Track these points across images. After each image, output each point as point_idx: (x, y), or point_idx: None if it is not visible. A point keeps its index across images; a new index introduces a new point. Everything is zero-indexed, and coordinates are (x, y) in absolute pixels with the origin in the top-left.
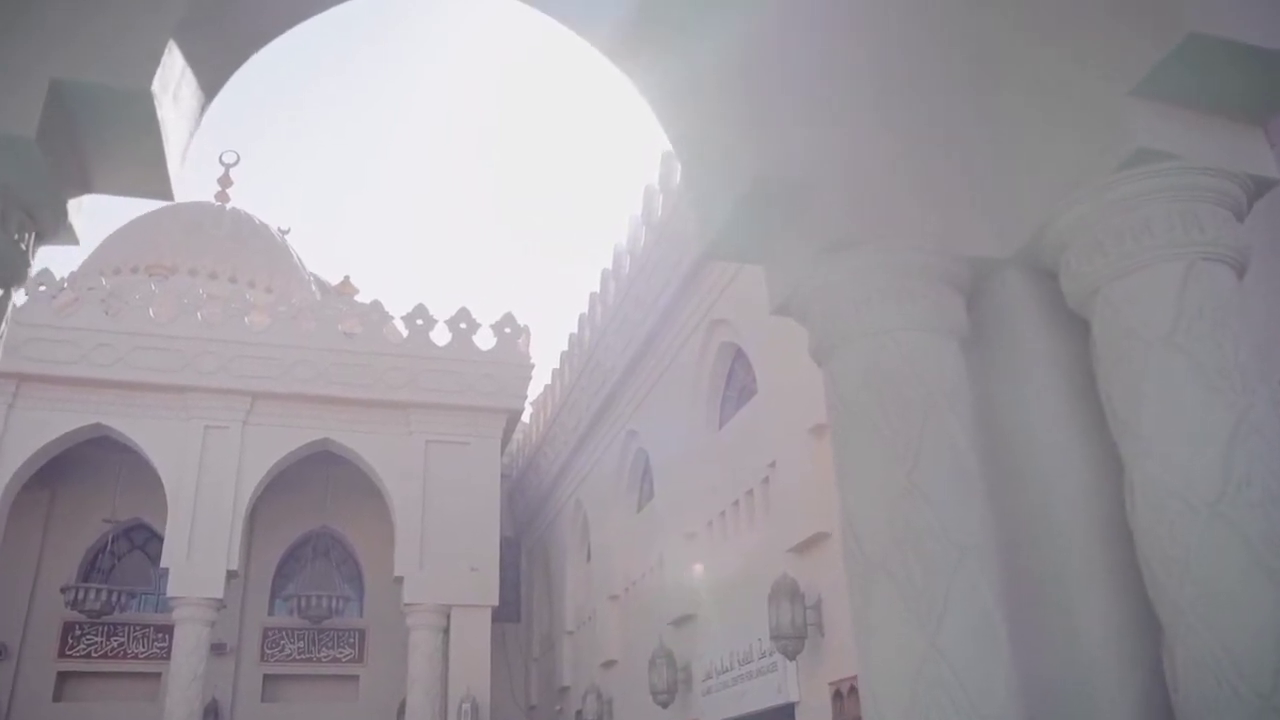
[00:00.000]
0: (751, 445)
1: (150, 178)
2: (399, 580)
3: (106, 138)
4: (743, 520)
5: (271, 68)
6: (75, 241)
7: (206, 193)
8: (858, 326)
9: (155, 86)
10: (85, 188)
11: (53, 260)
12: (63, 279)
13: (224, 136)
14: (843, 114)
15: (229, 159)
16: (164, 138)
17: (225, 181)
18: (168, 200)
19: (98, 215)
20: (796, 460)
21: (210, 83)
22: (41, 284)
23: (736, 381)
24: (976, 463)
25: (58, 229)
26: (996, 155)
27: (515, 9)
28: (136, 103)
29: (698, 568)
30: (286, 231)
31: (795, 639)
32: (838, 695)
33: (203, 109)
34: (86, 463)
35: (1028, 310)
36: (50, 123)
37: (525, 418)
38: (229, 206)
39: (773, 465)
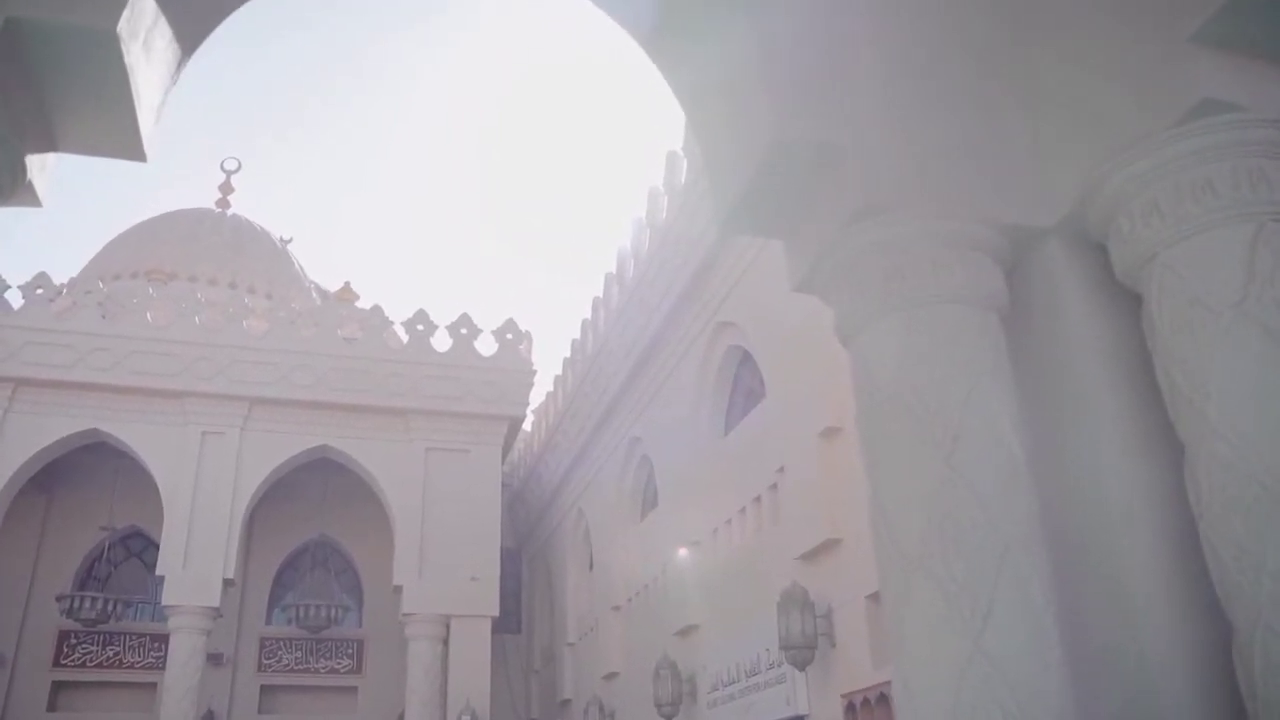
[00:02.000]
0: (759, 450)
1: (119, 134)
2: (398, 590)
3: (70, 86)
4: (750, 527)
5: (274, 74)
6: (37, 203)
7: (207, 199)
8: (888, 300)
9: (123, 28)
10: (49, 144)
11: (51, 266)
12: (61, 284)
13: (226, 143)
14: (870, 74)
15: (230, 165)
16: (134, 90)
17: (226, 188)
18: (139, 161)
19: (98, 223)
20: (806, 465)
21: (188, 36)
22: (39, 287)
23: (743, 385)
24: (1021, 447)
25: (15, 188)
26: (1037, 114)
27: (517, 13)
28: (102, 45)
29: (703, 576)
30: (288, 240)
31: (805, 649)
32: (850, 708)
33: (179, 65)
34: (83, 469)
35: (1072, 283)
36: (6, 66)
37: (527, 426)
38: (229, 213)
39: (781, 470)
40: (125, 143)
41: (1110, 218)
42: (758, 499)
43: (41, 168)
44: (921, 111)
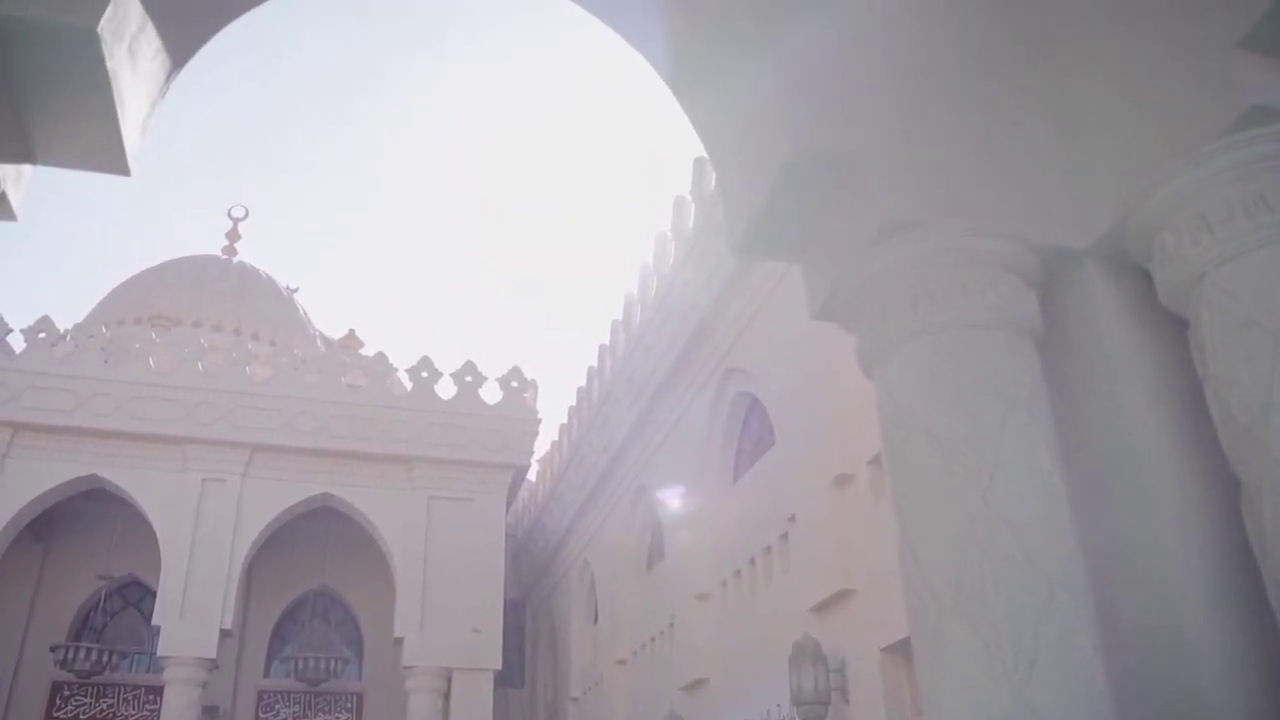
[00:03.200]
0: (769, 499)
1: (101, 145)
2: (399, 642)
3: (48, 91)
4: (760, 578)
5: (282, 121)
6: (12, 216)
7: (214, 246)
8: (916, 323)
9: (104, 28)
10: (25, 154)
11: (55, 311)
12: (65, 330)
13: (233, 190)
14: (891, 88)
15: (238, 213)
16: (117, 97)
17: (233, 235)
18: (123, 174)
19: (104, 271)
20: (818, 513)
21: (178, 46)
22: (41, 331)
23: (752, 433)
24: (1062, 482)
25: None
26: (1069, 127)
27: (518, 63)
28: (81, 45)
29: (711, 629)
30: (295, 289)
31: (818, 704)
32: None
33: (169, 76)
34: (82, 517)
35: (1112, 307)
36: None
37: (531, 475)
38: (236, 260)
39: (792, 519)
40: (107, 155)
41: (1152, 236)
42: (768, 549)
43: (17, 179)
44: (944, 125)
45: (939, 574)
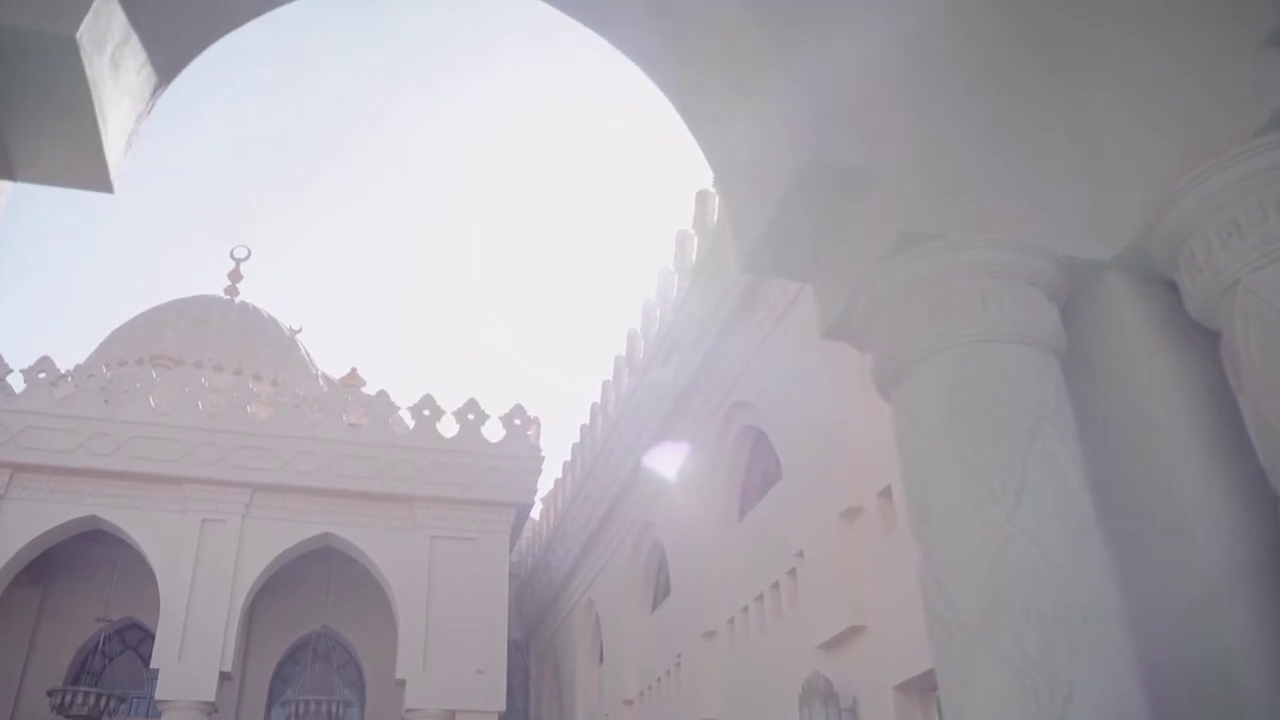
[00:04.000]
0: (776, 534)
1: (83, 160)
2: (401, 683)
3: (27, 102)
4: (768, 615)
5: (284, 163)
6: None
7: (216, 286)
8: (935, 339)
9: (83, 37)
10: (5, 170)
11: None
12: (66, 371)
13: (236, 230)
14: (912, 97)
15: (240, 253)
16: (98, 109)
17: (235, 276)
18: (106, 192)
19: (106, 312)
20: (827, 548)
21: (164, 61)
22: (41, 371)
23: (759, 467)
24: (1091, 503)
25: None
26: (1093, 136)
27: (521, 101)
28: (59, 53)
29: (719, 668)
30: (298, 331)
31: None
32: None
33: (154, 91)
34: (80, 558)
35: (1137, 321)
36: None
37: (535, 514)
38: (238, 300)
39: (800, 555)
40: (89, 170)
41: (1180, 244)
42: (775, 585)
43: None
44: (962, 136)
45: (965, 601)
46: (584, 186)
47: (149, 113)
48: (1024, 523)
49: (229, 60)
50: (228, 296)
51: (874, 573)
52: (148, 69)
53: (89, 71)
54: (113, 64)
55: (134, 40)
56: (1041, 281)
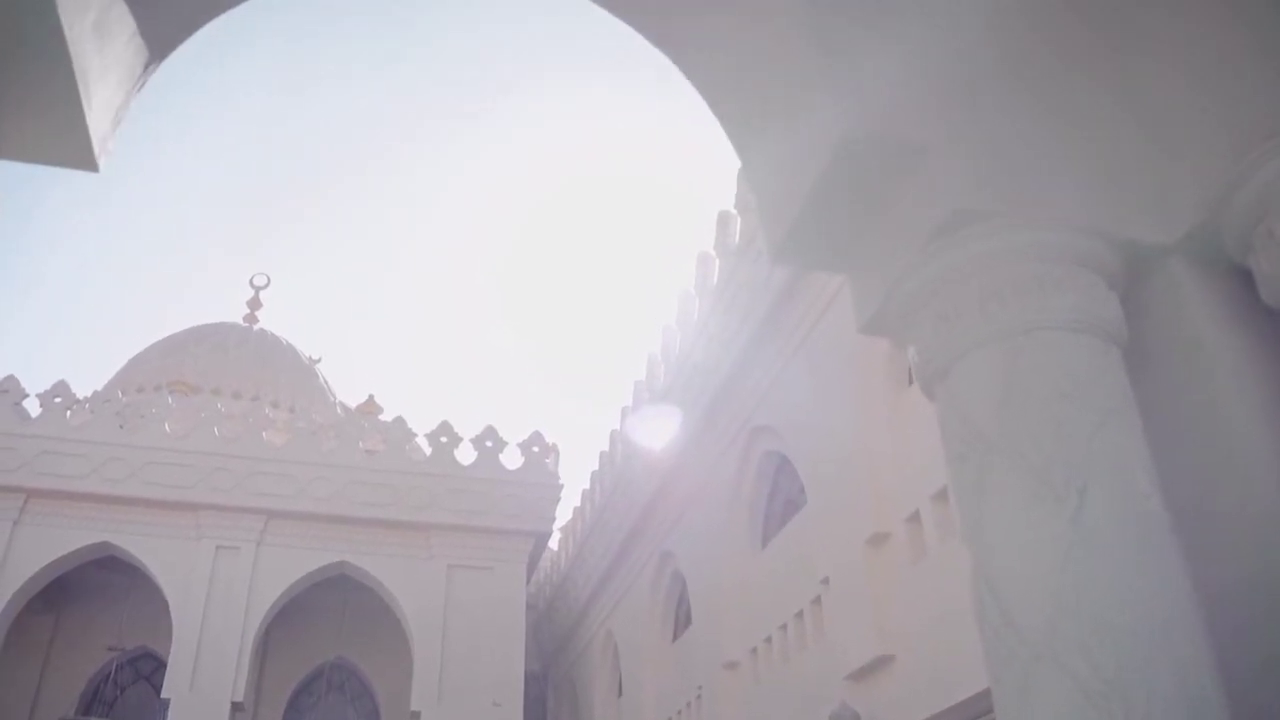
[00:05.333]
0: (800, 562)
1: (66, 135)
2: (416, 715)
3: (4, 72)
4: (792, 645)
5: (304, 190)
6: None
7: (236, 314)
8: (987, 327)
9: None
10: None
11: (76, 378)
12: (84, 398)
13: (256, 259)
14: (958, 69)
15: (259, 281)
16: (80, 78)
17: (254, 304)
18: (90, 170)
19: (124, 339)
20: (853, 575)
21: (155, 33)
22: (57, 396)
23: (782, 493)
24: (1162, 504)
25: None
26: (1155, 113)
27: (540, 126)
28: (36, 14)
29: (742, 700)
30: (318, 360)
31: None
32: None
33: (146, 67)
34: (93, 586)
35: (1205, 309)
36: None
37: (553, 544)
38: (257, 328)
39: (825, 582)
40: (72, 146)
41: (1253, 225)
42: (800, 614)
43: None
44: (1012, 113)
45: (1026, 613)
46: (603, 213)
47: (139, 89)
48: (1091, 526)
49: (250, 89)
50: (246, 324)
51: (902, 600)
52: (138, 41)
53: (68, 34)
54: (97, 31)
55: (121, 6)
56: (1101, 267)
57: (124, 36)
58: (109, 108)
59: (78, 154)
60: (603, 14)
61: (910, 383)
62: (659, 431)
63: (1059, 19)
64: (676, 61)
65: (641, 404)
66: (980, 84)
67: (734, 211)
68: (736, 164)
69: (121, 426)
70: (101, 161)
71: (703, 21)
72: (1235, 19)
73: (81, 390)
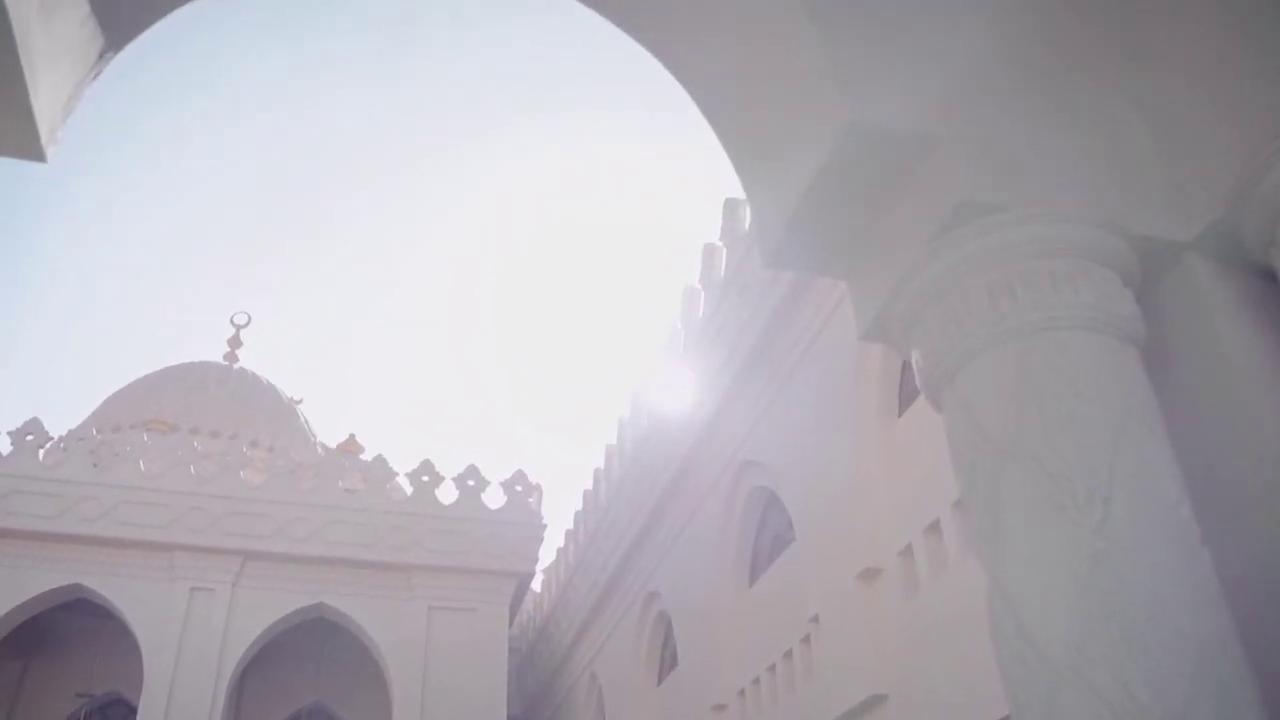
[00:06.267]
0: (790, 600)
1: (8, 120)
2: None
3: None
4: (781, 686)
5: (287, 229)
6: None
7: (216, 353)
8: (998, 326)
9: None
10: None
11: (54, 418)
12: (60, 438)
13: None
14: (965, 57)
15: (240, 320)
16: (24, 58)
17: (235, 342)
18: (37, 160)
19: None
20: (844, 612)
21: (113, 18)
22: (29, 434)
23: (770, 530)
24: (1192, 514)
25: None
26: (1168, 106)
27: (522, 165)
28: None
29: None
30: (299, 401)
31: None
32: None
33: (102, 54)
34: (63, 629)
35: (1226, 309)
36: None
37: (536, 585)
38: (236, 366)
39: (815, 620)
40: (17, 134)
41: (1273, 221)
42: (789, 653)
43: None
44: (1022, 103)
45: (1049, 633)
46: (587, 249)
47: (95, 77)
48: (1117, 536)
49: (233, 128)
50: (227, 363)
51: (896, 638)
52: (91, 25)
53: (12, 13)
54: (44, 11)
55: None
56: (1116, 263)
57: (76, 19)
58: (58, 95)
59: (23, 143)
60: (583, 51)
61: (900, 414)
62: (644, 468)
63: (1068, 10)
64: (661, 55)
65: (626, 442)
66: (987, 74)
67: (719, 244)
68: (722, 198)
69: (95, 465)
70: (50, 152)
71: (690, 8)
72: (1249, 12)
73: (59, 429)
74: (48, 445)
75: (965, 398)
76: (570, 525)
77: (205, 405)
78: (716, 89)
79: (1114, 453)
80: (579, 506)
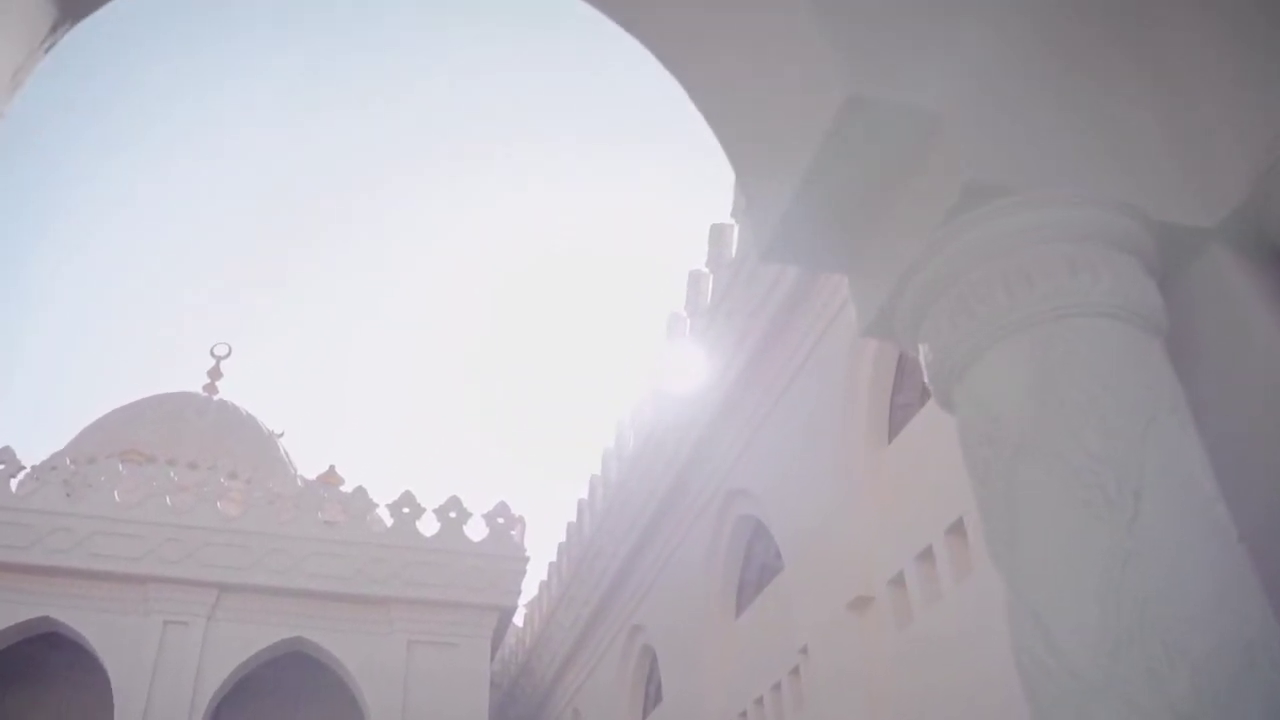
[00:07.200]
0: (778, 630)
1: None
2: None
3: None
4: (770, 719)
5: (270, 263)
6: None
7: (195, 384)
8: (1014, 314)
9: None
10: None
11: (30, 447)
12: (33, 467)
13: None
14: (976, 32)
15: (220, 351)
16: None
17: (215, 373)
18: None
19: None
20: (834, 642)
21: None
22: (1, 463)
23: (756, 560)
24: (1229, 515)
25: None
26: (1189, 85)
27: (505, 197)
28: None
29: None
30: (280, 434)
31: None
32: None
33: (55, 26)
34: (32, 664)
35: (1255, 300)
36: None
37: (518, 620)
38: (216, 398)
39: (804, 651)
40: None
41: None
42: (777, 686)
43: None
44: (1038, 81)
45: (1078, 643)
46: (570, 280)
47: (47, 50)
48: (1150, 535)
49: (214, 157)
50: (206, 394)
51: (888, 668)
52: None
53: None
54: None
55: None
56: (1136, 249)
57: None
58: (6, 67)
59: None
60: (558, 90)
61: (890, 440)
62: (629, 497)
63: None
64: (640, 35)
65: (610, 471)
66: (998, 52)
67: (706, 270)
68: (707, 225)
69: (68, 495)
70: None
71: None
72: None
73: (34, 460)
74: (20, 475)
75: (978, 393)
76: (553, 558)
77: (183, 436)
78: (705, 65)
79: (1144, 446)
80: (562, 539)
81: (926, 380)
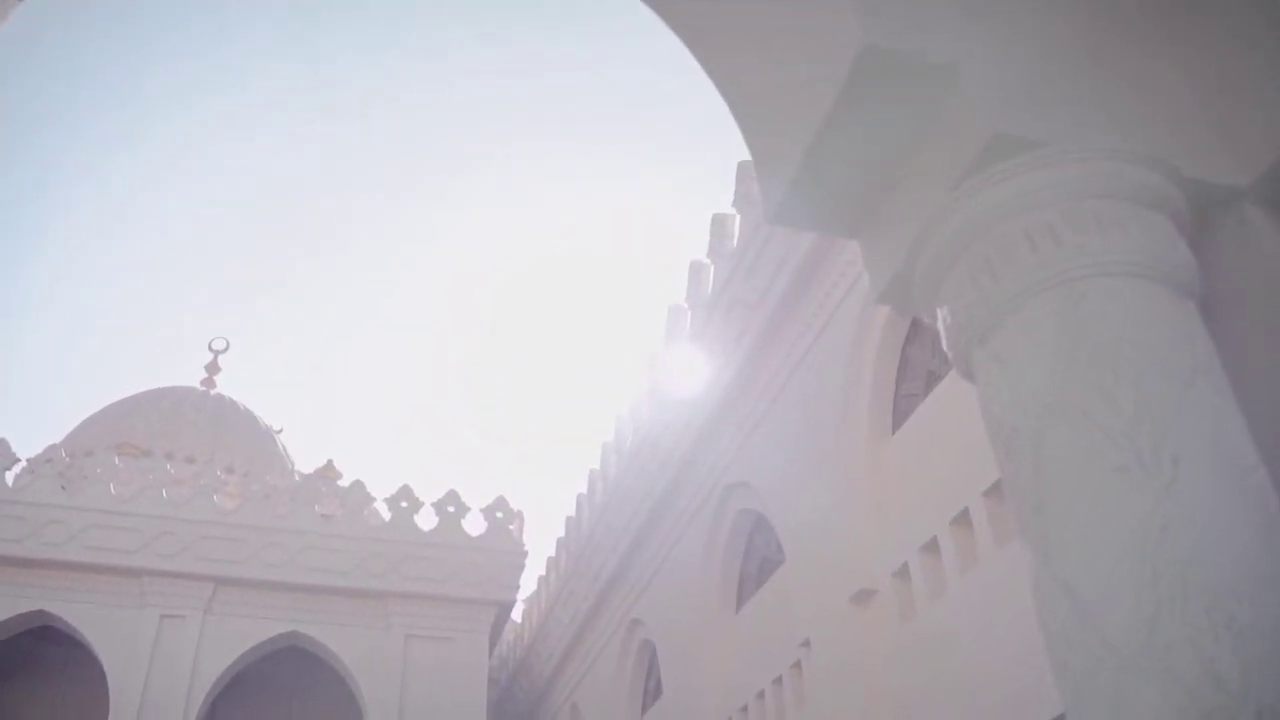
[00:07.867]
0: (779, 624)
1: None
2: None
3: None
4: (771, 714)
5: (270, 257)
6: None
7: (193, 379)
8: (1040, 273)
9: None
10: None
11: (27, 441)
12: (28, 460)
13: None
14: None
15: (218, 345)
16: None
17: (213, 368)
18: None
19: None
20: (836, 636)
21: None
22: None
23: (757, 553)
24: (1271, 482)
25: None
26: (1221, 38)
27: (504, 195)
28: None
29: None
30: (279, 431)
31: None
32: None
33: None
34: (27, 658)
35: None
36: None
37: (516, 615)
38: (214, 392)
39: (806, 645)
40: None
41: None
42: (779, 680)
43: None
44: (1063, 32)
45: (1114, 614)
46: (569, 273)
47: (5, 20)
48: (1190, 500)
49: (213, 153)
50: (204, 388)
51: (891, 662)
52: None
53: None
54: None
55: None
56: (1167, 207)
57: None
58: None
59: None
60: (557, 85)
61: (894, 431)
62: (628, 491)
63: None
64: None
65: (609, 466)
66: (1015, 7)
67: (706, 260)
68: (709, 215)
69: (64, 488)
70: None
71: None
72: None
73: (31, 453)
74: (15, 468)
75: (1003, 355)
76: (552, 553)
77: (180, 430)
78: (713, 18)
79: (1180, 409)
80: (561, 533)
81: (945, 346)
